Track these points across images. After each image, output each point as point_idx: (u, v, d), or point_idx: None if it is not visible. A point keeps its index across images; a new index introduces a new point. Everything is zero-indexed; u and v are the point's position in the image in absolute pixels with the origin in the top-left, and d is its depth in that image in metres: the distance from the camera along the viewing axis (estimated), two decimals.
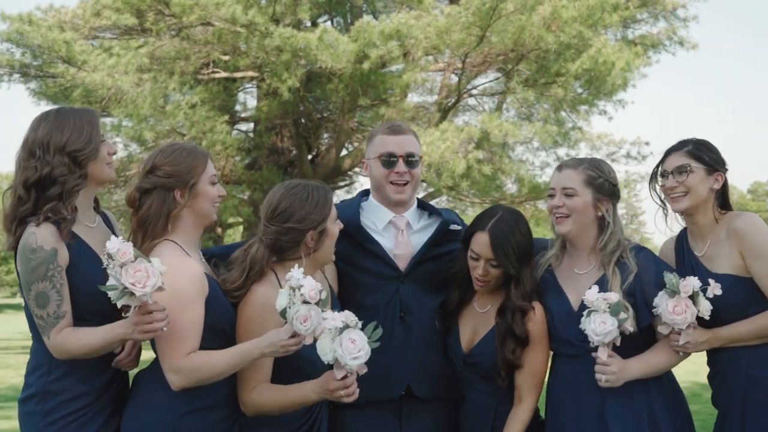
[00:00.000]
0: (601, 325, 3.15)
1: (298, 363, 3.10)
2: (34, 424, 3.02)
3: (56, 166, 2.98)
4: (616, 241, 3.45)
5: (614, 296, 3.19)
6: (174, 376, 2.92)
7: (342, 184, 19.29)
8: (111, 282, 2.72)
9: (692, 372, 6.64)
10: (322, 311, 2.82)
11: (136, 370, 3.22)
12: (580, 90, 15.86)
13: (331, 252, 3.34)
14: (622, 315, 3.18)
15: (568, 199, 3.45)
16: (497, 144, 15.44)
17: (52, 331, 2.91)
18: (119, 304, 2.74)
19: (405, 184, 3.63)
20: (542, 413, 3.56)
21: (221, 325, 3.08)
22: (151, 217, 3.06)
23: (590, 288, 3.23)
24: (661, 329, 3.31)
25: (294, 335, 2.84)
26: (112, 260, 2.69)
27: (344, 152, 17.52)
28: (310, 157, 17.46)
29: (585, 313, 3.21)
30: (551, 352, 3.52)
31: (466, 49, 14.15)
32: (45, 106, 16.10)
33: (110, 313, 2.90)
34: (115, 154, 3.20)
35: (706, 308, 3.24)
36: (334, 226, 3.31)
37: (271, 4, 14.18)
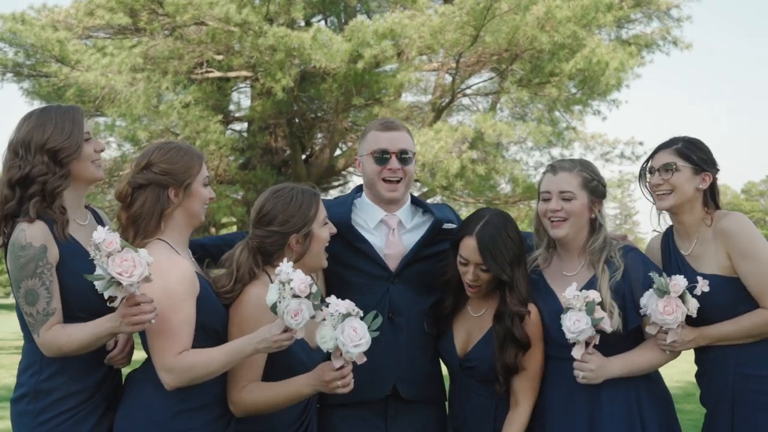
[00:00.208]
0: (575, 324, 3.14)
1: (288, 361, 3.09)
2: (26, 424, 3.00)
3: (35, 165, 2.96)
4: (603, 238, 3.43)
5: (595, 294, 3.18)
6: (167, 375, 2.91)
7: (336, 184, 19.30)
8: (98, 272, 2.70)
9: (686, 371, 6.61)
10: (313, 304, 2.81)
11: (128, 369, 3.20)
12: (574, 90, 15.86)
13: (322, 257, 3.31)
14: (599, 314, 3.16)
15: (566, 203, 3.40)
16: (491, 144, 15.45)
17: (41, 328, 2.90)
18: (106, 295, 2.72)
19: (398, 182, 3.59)
20: None
21: (213, 324, 3.07)
22: (144, 215, 3.05)
23: (570, 285, 3.22)
24: (649, 329, 3.30)
25: (286, 330, 2.83)
26: (98, 251, 2.67)
27: (338, 152, 17.53)
28: (303, 156, 17.45)
29: (564, 310, 3.21)
30: None
31: (460, 48, 14.15)
32: (38, 106, 16.02)
33: (101, 311, 2.88)
34: (102, 151, 3.17)
35: (694, 306, 3.24)
36: (322, 231, 3.28)
37: (265, 3, 14.19)
